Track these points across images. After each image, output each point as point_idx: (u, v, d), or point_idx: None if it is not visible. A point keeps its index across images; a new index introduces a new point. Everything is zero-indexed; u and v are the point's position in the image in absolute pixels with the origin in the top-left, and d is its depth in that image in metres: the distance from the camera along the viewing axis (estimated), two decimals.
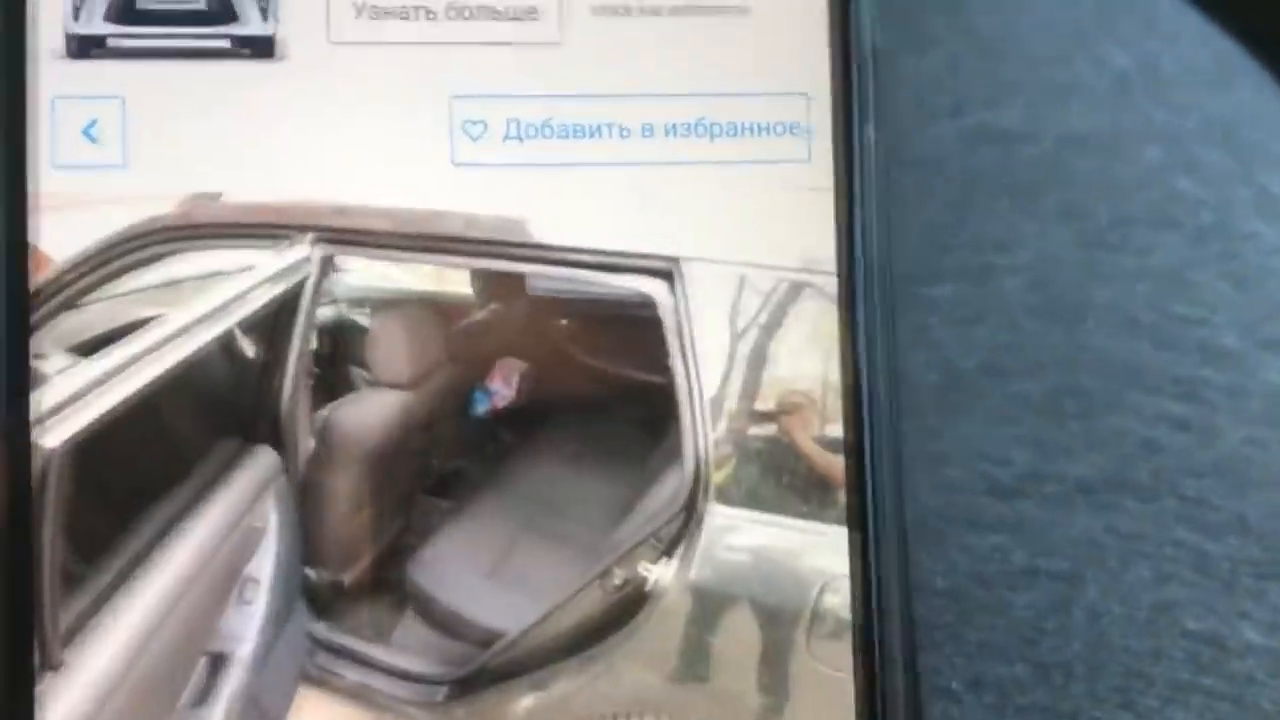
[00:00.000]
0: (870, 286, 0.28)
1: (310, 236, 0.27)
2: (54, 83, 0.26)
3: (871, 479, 0.28)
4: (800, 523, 0.28)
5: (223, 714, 0.26)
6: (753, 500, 0.28)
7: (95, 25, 0.27)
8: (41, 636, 0.25)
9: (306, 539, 0.27)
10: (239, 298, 0.27)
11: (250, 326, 0.27)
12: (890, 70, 0.29)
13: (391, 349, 0.28)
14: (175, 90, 0.27)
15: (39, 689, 0.25)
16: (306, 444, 0.27)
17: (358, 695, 0.27)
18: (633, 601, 0.27)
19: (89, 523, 0.26)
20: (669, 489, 0.28)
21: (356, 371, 0.28)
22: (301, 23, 0.27)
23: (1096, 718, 0.35)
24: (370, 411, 0.28)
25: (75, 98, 0.26)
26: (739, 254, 0.28)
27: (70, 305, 0.26)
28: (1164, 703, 0.35)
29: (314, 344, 0.28)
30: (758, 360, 0.28)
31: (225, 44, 0.27)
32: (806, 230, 0.28)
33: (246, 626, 0.27)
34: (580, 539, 0.28)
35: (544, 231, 0.27)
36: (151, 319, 0.27)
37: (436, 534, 0.28)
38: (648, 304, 0.28)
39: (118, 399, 0.26)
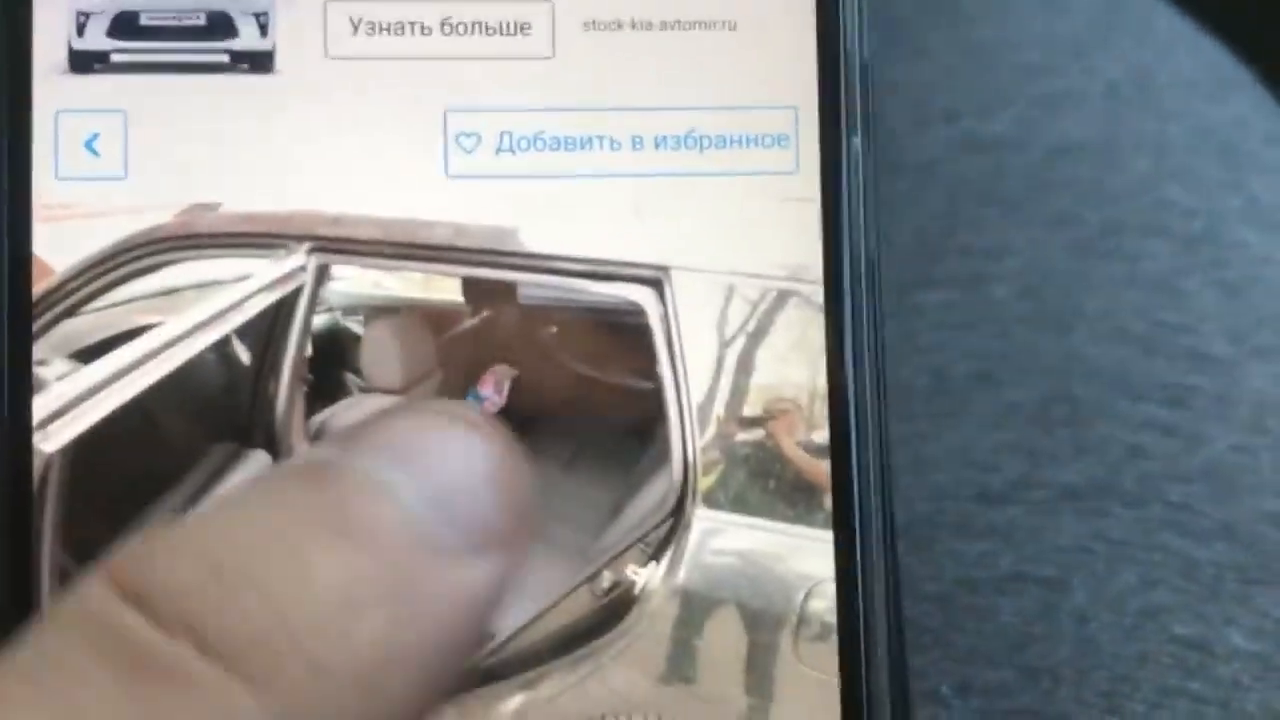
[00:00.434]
0: (856, 295, 0.28)
1: (306, 246, 0.28)
2: (57, 97, 0.27)
3: (856, 484, 0.28)
4: (787, 527, 0.28)
5: None
6: (740, 505, 0.28)
7: (98, 41, 0.27)
8: None
9: None
10: (235, 305, 0.27)
11: (246, 333, 0.28)
12: (882, 78, 0.29)
13: (384, 355, 0.28)
14: (175, 104, 0.27)
15: None
16: (301, 449, 0.28)
17: None
18: (621, 604, 0.28)
19: (87, 526, 0.27)
20: (657, 493, 0.28)
21: (350, 378, 0.28)
22: (298, 38, 0.28)
23: None
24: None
25: (78, 111, 0.27)
26: (727, 263, 0.28)
27: (71, 313, 0.27)
28: (1151, 707, 0.35)
29: (309, 350, 0.28)
30: (745, 367, 0.28)
31: (224, 59, 0.27)
32: (794, 240, 0.28)
33: None
34: (569, 543, 0.28)
35: (535, 241, 0.28)
36: (149, 326, 0.27)
37: None
38: (637, 312, 0.28)
39: (115, 404, 0.27)
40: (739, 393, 0.28)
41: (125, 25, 0.27)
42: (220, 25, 0.27)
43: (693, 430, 0.28)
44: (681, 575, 0.28)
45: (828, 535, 0.28)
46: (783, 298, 0.28)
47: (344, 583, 0.19)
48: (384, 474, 0.19)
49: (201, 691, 0.18)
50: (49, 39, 0.27)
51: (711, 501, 0.28)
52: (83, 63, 0.27)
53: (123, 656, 0.18)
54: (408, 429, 0.20)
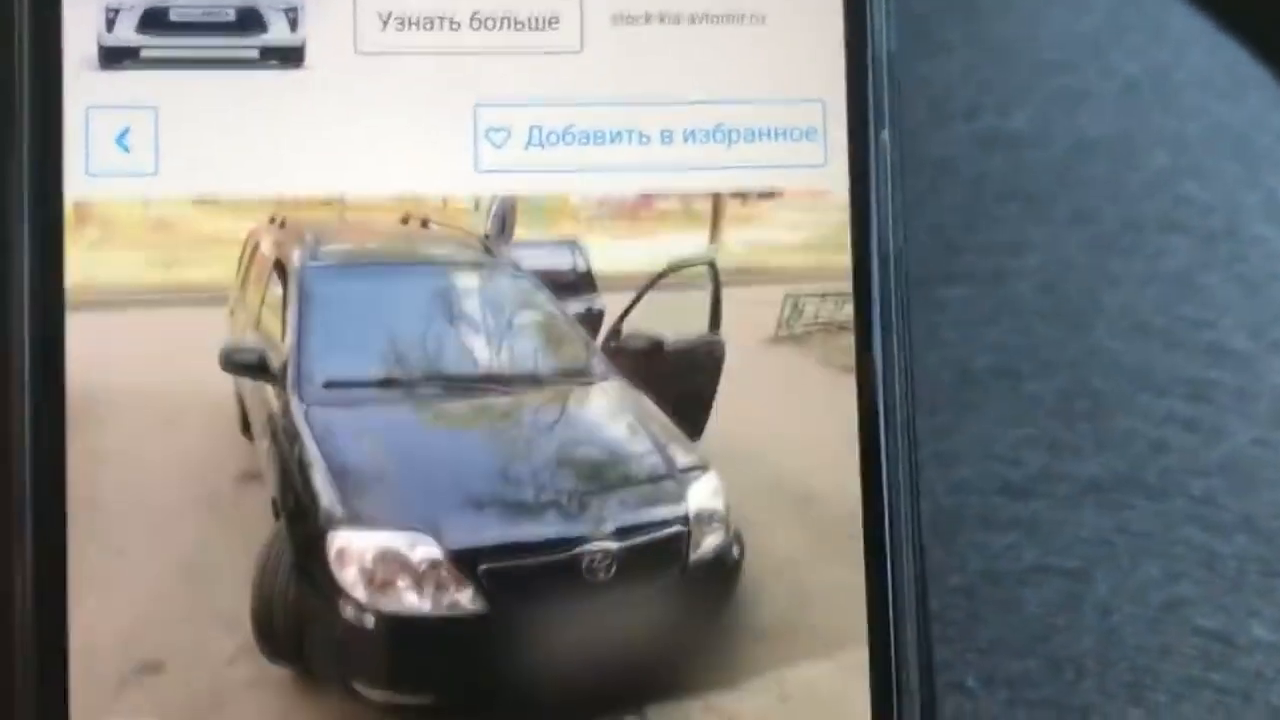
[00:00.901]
0: (886, 287, 0.28)
1: None
2: (88, 92, 0.27)
3: (886, 480, 0.28)
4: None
5: None
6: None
7: (128, 36, 0.27)
8: None
9: None
10: None
11: None
12: (904, 75, 0.29)
13: None
14: (205, 99, 0.27)
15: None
16: None
17: None
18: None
19: None
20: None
21: None
22: (328, 33, 0.27)
23: (1107, 713, 0.35)
24: None
25: (108, 107, 0.27)
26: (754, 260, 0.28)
27: None
28: (1173, 698, 0.35)
29: None
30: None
31: (254, 54, 0.27)
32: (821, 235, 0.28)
33: None
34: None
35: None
36: None
37: None
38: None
39: None
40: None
41: (155, 21, 0.27)
42: (250, 20, 0.27)
43: None
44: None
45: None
46: (816, 294, 0.28)
47: None
48: None
49: None
50: (79, 35, 0.27)
51: None
52: (113, 58, 0.27)
53: None
54: None
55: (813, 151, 0.28)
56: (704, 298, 0.29)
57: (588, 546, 0.28)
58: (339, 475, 0.28)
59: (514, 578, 0.28)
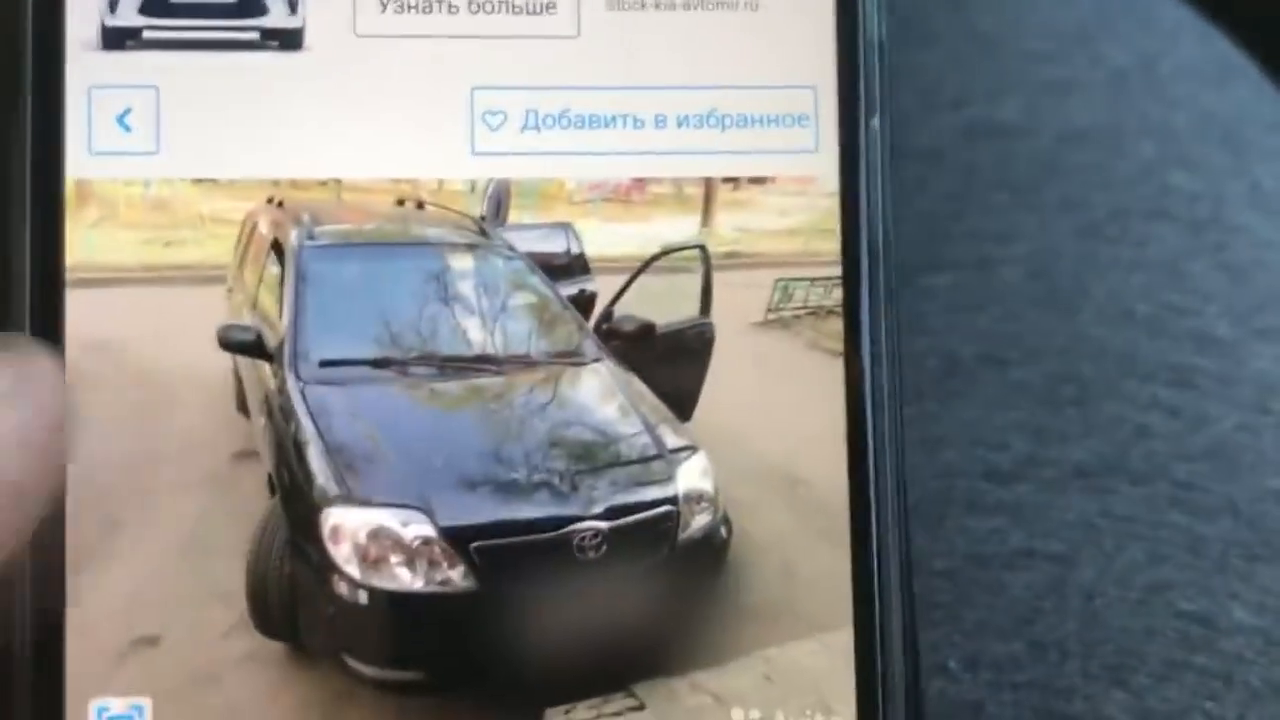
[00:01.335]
0: (875, 274, 0.28)
1: None
2: (90, 73, 0.27)
3: (873, 463, 0.28)
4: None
5: None
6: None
7: (130, 18, 0.27)
8: None
9: None
10: None
11: None
12: (893, 64, 0.29)
13: None
14: (205, 80, 0.27)
15: None
16: None
17: None
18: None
19: None
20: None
21: None
22: (327, 16, 0.28)
23: (1091, 695, 0.35)
24: None
25: (110, 87, 0.27)
26: (744, 244, 0.29)
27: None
28: (1156, 680, 0.36)
29: None
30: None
31: (254, 36, 0.28)
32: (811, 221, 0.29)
33: None
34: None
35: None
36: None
37: None
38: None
39: None
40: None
41: (157, 2, 0.27)
42: (250, 3, 0.28)
43: None
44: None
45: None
46: (805, 279, 0.29)
47: None
48: None
49: None
50: (82, 16, 0.27)
51: None
52: (115, 39, 0.27)
53: None
54: None
55: (804, 137, 0.28)
56: (695, 282, 0.29)
57: (578, 526, 0.28)
58: (334, 453, 0.29)
59: (505, 556, 0.28)
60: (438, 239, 0.30)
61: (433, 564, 0.28)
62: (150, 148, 0.27)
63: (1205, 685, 0.36)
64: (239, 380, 0.30)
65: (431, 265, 0.30)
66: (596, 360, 0.30)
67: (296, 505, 0.28)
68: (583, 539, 0.28)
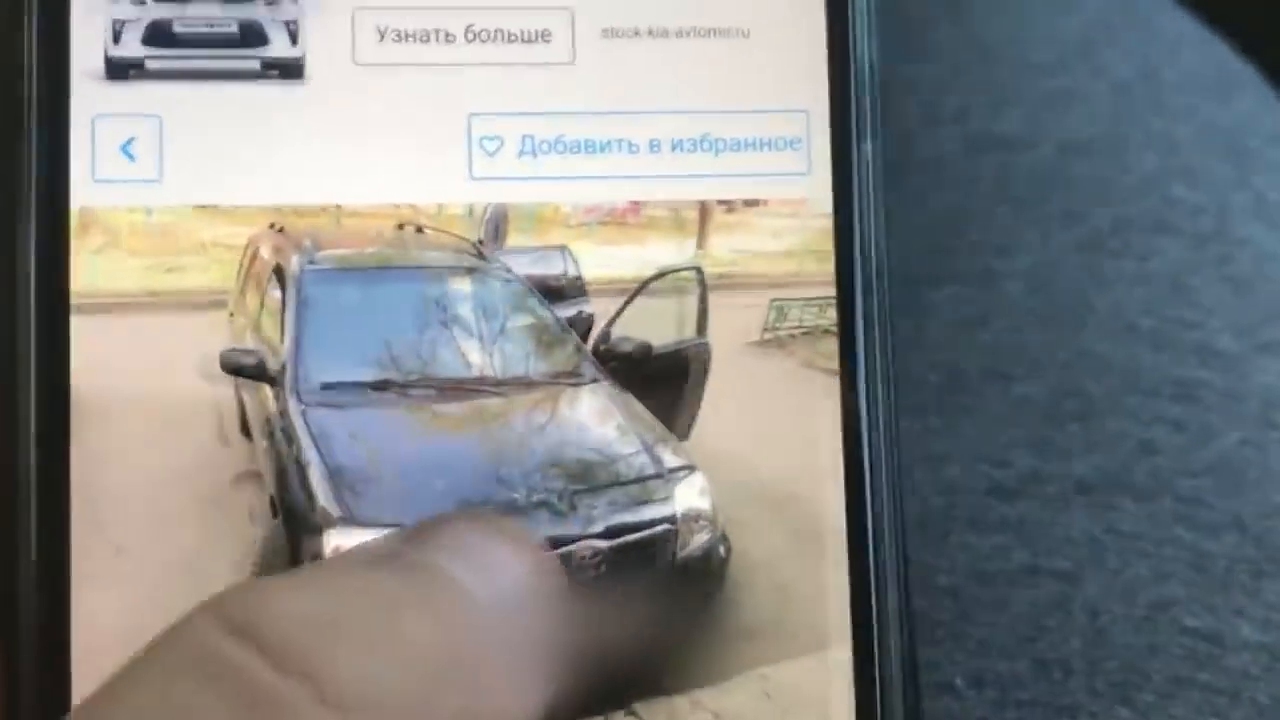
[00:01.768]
0: (868, 294, 0.29)
1: None
2: (94, 102, 0.28)
3: (870, 481, 0.29)
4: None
5: None
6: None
7: (133, 49, 0.28)
8: None
9: None
10: None
11: None
12: (892, 77, 0.30)
13: None
14: (208, 109, 0.29)
15: None
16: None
17: None
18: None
19: None
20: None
21: None
22: (327, 46, 0.29)
23: (1095, 713, 0.36)
24: None
25: (114, 116, 0.28)
26: (739, 266, 0.30)
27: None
28: (1162, 698, 0.36)
29: None
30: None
31: (255, 66, 0.29)
32: (805, 242, 0.30)
33: None
34: None
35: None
36: None
37: None
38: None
39: None
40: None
41: (160, 33, 0.29)
42: (252, 34, 0.29)
43: None
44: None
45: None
46: (798, 300, 0.30)
47: (435, 655, 0.21)
48: (454, 571, 0.22)
49: None
50: (86, 47, 0.28)
51: None
52: (118, 70, 0.29)
53: (238, 694, 0.19)
54: (469, 534, 0.23)
55: (797, 161, 0.29)
56: (691, 303, 0.30)
57: (577, 545, 0.29)
58: (335, 475, 0.30)
59: None
60: (436, 262, 0.31)
61: None
62: (153, 175, 0.28)
63: (1211, 702, 0.36)
64: (241, 404, 0.31)
65: (430, 289, 0.31)
66: (595, 381, 0.31)
67: (298, 526, 0.29)
68: (582, 558, 0.29)
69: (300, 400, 0.31)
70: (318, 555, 0.29)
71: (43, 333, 0.28)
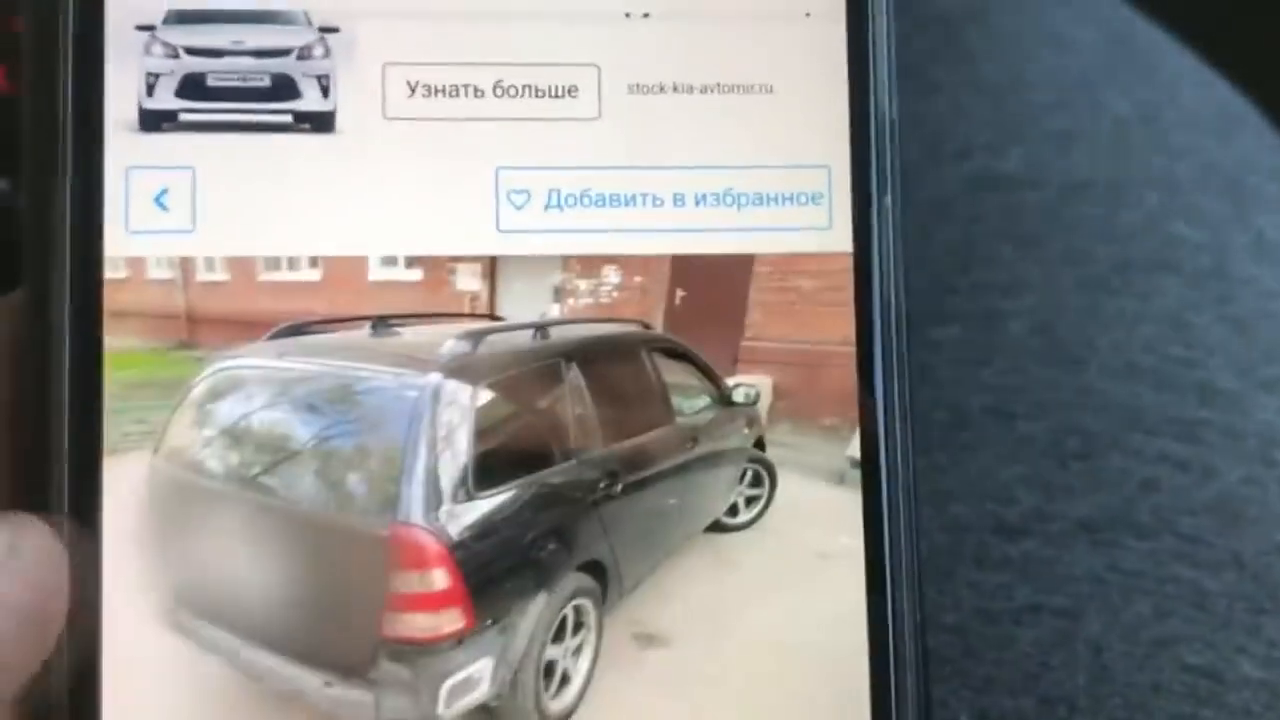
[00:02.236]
0: (887, 344, 0.30)
1: None
2: (128, 154, 0.29)
3: (887, 520, 0.30)
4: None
5: None
6: None
7: (167, 101, 0.30)
8: None
9: None
10: None
11: None
12: (898, 118, 0.31)
13: None
14: (241, 161, 0.30)
15: None
16: None
17: None
18: None
19: None
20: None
21: None
22: (358, 99, 0.30)
23: None
24: None
25: (147, 168, 0.29)
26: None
27: None
28: None
29: None
30: None
31: (288, 119, 0.30)
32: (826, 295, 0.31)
33: None
34: None
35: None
36: None
37: None
38: None
39: None
40: None
41: (193, 86, 0.30)
42: (284, 87, 0.30)
43: None
44: None
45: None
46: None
47: None
48: None
49: None
50: (121, 99, 0.29)
51: None
52: (152, 121, 0.30)
53: None
54: None
55: (818, 215, 0.31)
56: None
57: None
58: None
59: None
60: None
61: None
62: (186, 226, 0.29)
63: None
64: None
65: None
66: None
67: None
68: None
69: None
70: None
71: (75, 381, 0.29)
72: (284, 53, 0.30)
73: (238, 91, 0.30)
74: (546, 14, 0.31)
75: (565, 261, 0.31)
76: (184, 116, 0.30)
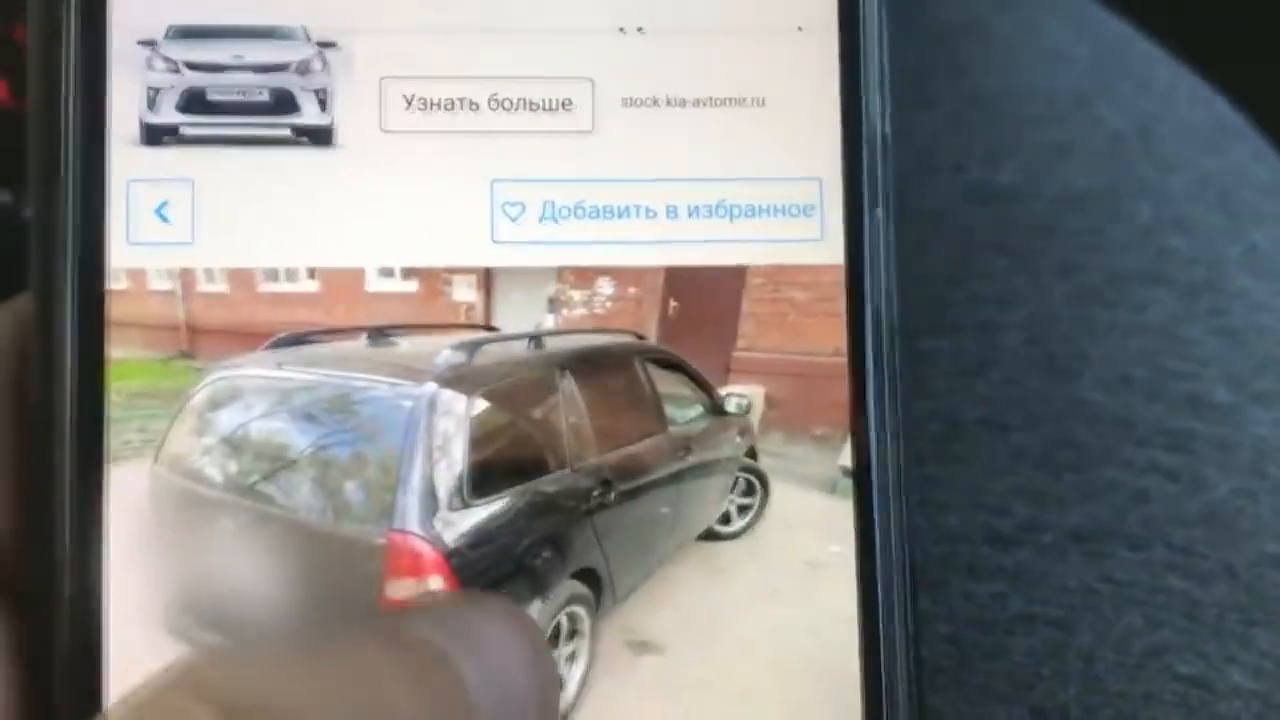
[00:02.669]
0: (879, 356, 0.31)
1: None
2: (130, 167, 0.30)
3: (878, 529, 0.31)
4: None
5: None
6: None
7: (168, 115, 0.30)
8: None
9: None
10: None
11: None
12: (891, 130, 0.31)
13: None
14: (240, 174, 0.30)
15: None
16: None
17: None
18: None
19: None
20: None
21: None
22: (356, 114, 0.31)
23: None
24: None
25: (149, 181, 0.30)
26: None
27: None
28: None
29: None
30: None
31: (286, 133, 0.31)
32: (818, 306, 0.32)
33: None
34: None
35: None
36: None
37: None
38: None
39: None
40: None
41: (194, 101, 0.30)
42: (283, 101, 0.31)
43: None
44: None
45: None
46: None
47: None
48: (447, 648, 0.23)
49: None
50: (123, 113, 0.30)
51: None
52: (154, 135, 0.30)
53: None
54: (466, 614, 0.25)
55: (810, 227, 0.31)
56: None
57: None
58: None
59: None
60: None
61: None
62: (186, 238, 0.30)
63: None
64: None
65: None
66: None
67: None
68: None
69: None
70: None
71: (78, 395, 0.29)
72: (283, 68, 0.31)
73: (238, 106, 0.31)
74: (541, 29, 0.31)
75: (560, 273, 0.31)
76: (185, 131, 0.31)
